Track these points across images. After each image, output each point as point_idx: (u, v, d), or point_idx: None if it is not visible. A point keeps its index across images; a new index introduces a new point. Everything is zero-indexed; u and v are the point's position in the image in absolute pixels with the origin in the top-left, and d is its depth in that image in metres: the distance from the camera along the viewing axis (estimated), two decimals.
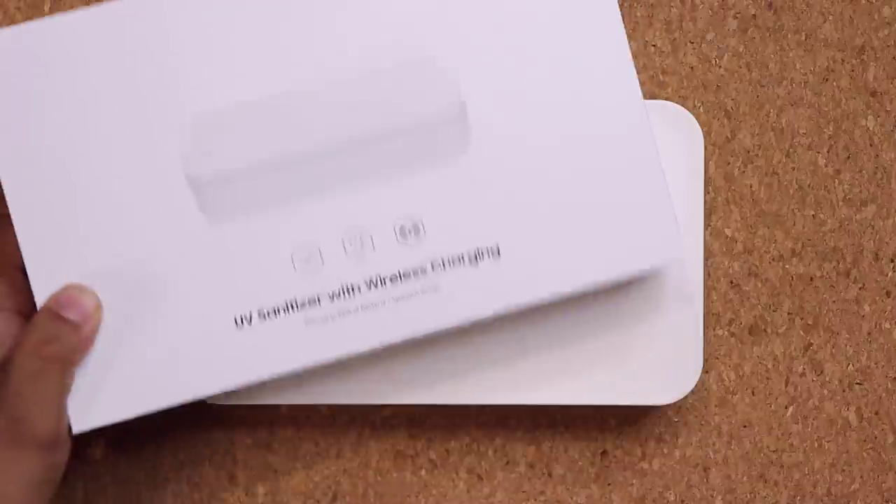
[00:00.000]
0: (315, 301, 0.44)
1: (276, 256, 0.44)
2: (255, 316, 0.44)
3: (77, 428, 0.43)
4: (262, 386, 0.50)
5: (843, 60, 0.54)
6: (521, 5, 0.44)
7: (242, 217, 0.44)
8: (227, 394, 0.50)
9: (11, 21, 0.54)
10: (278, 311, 0.44)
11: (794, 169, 0.54)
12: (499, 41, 0.44)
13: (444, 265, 0.44)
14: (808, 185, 0.53)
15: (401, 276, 0.44)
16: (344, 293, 0.44)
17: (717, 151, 0.53)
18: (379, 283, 0.44)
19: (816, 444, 0.53)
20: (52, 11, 0.54)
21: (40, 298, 0.43)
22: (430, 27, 0.44)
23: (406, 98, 0.44)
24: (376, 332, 0.44)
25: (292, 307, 0.44)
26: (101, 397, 0.43)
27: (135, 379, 0.44)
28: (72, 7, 0.54)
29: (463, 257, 0.44)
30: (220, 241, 0.44)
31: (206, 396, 0.44)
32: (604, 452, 0.53)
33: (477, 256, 0.44)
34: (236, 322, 0.44)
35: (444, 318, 0.44)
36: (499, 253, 0.44)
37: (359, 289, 0.44)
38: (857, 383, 0.54)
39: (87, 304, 0.42)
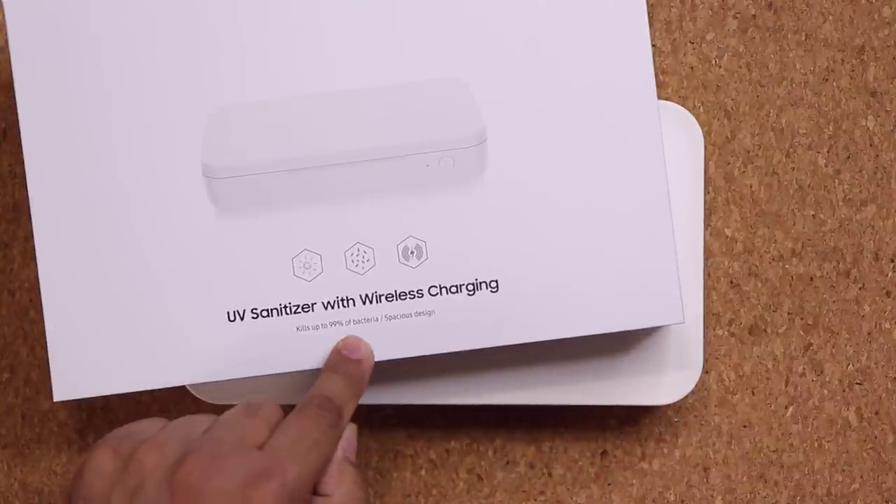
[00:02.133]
0: (309, 308, 0.44)
1: (277, 258, 0.44)
2: (248, 313, 0.44)
3: (58, 397, 0.44)
4: (261, 386, 0.50)
5: (843, 60, 0.53)
6: (556, 45, 0.44)
7: (250, 214, 0.44)
8: (228, 394, 0.50)
9: None
10: (271, 311, 0.44)
11: (794, 169, 0.53)
12: (526, 75, 0.44)
13: (440, 292, 0.44)
14: (808, 185, 0.53)
15: (397, 296, 0.44)
16: (338, 304, 0.44)
17: (717, 151, 0.53)
18: (374, 299, 0.44)
19: (816, 444, 0.53)
20: None
21: (44, 269, 0.44)
22: (462, 51, 0.44)
23: (428, 118, 0.44)
24: None
25: (286, 310, 0.44)
26: (85, 371, 0.44)
27: (121, 357, 0.44)
28: None
29: (460, 287, 0.44)
30: (225, 234, 0.44)
31: (188, 384, 0.45)
32: (604, 452, 0.53)
33: (475, 288, 0.44)
34: (229, 316, 0.44)
35: (433, 344, 0.44)
36: (497, 288, 0.44)
37: (353, 302, 0.44)
38: (857, 383, 0.54)
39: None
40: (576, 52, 0.44)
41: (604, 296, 0.44)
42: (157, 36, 0.44)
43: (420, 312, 0.44)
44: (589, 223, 0.44)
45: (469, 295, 0.44)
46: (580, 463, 0.53)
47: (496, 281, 0.44)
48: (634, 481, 0.53)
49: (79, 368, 0.44)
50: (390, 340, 0.44)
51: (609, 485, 0.53)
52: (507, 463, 0.53)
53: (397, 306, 0.44)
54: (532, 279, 0.44)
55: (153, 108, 0.44)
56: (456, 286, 0.44)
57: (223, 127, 0.44)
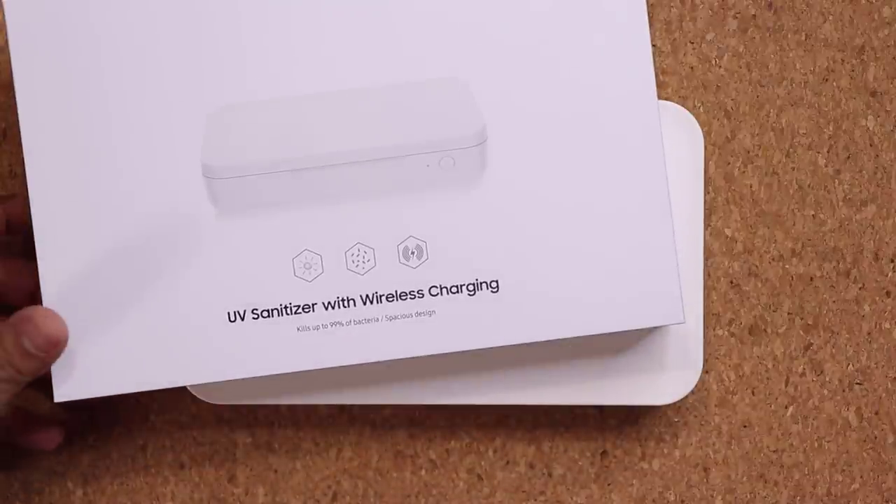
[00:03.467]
0: (309, 308, 0.44)
1: (278, 258, 0.44)
2: (248, 314, 0.44)
3: (59, 398, 0.44)
4: (261, 386, 0.50)
5: (843, 60, 0.53)
6: (557, 44, 0.44)
7: (250, 214, 0.44)
8: (228, 394, 0.50)
9: None
10: (272, 312, 0.44)
11: (794, 169, 0.53)
12: (526, 75, 0.44)
13: (441, 292, 0.44)
14: (808, 185, 0.53)
15: (397, 296, 0.44)
16: (339, 304, 0.44)
17: (717, 151, 0.53)
18: (375, 299, 0.44)
19: (816, 444, 0.53)
20: None
21: (44, 269, 0.44)
22: (462, 51, 0.44)
23: (428, 118, 0.44)
24: (365, 348, 0.44)
25: (286, 311, 0.44)
26: (85, 372, 0.44)
27: (122, 357, 0.44)
28: None
29: (461, 287, 0.44)
30: (225, 235, 0.44)
31: (189, 384, 0.45)
32: (604, 452, 0.53)
33: (475, 288, 0.44)
34: (229, 317, 0.44)
35: (434, 344, 0.44)
36: (497, 288, 0.44)
37: (354, 302, 0.44)
38: (857, 383, 0.54)
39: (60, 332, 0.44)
40: (576, 52, 0.44)
41: (604, 296, 0.44)
42: (157, 36, 0.44)
43: (420, 313, 0.44)
44: (589, 223, 0.44)
45: (470, 295, 0.44)
46: (580, 463, 0.53)
47: (497, 281, 0.44)
48: (634, 481, 0.53)
49: (79, 369, 0.44)
50: (391, 340, 0.44)
51: (609, 485, 0.53)
52: (507, 463, 0.53)
53: (398, 306, 0.44)
54: (532, 279, 0.44)
55: (153, 107, 0.44)
56: (456, 286, 0.44)
57: (223, 127, 0.44)
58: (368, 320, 0.44)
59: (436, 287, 0.44)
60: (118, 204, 0.44)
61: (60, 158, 0.44)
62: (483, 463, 0.53)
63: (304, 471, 0.53)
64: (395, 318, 0.44)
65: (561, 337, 0.44)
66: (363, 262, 0.44)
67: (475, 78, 0.44)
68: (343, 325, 0.44)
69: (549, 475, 0.53)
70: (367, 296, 0.44)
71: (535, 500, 0.53)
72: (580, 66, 0.44)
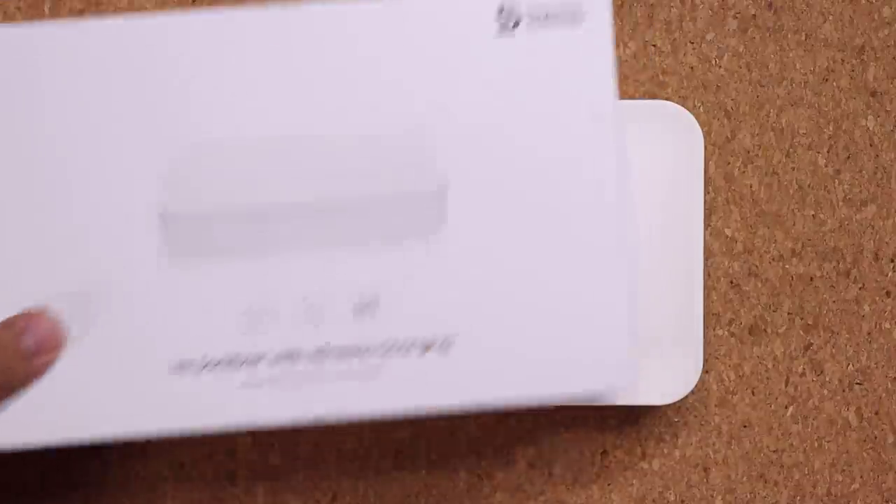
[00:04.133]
0: (255, 362, 0.43)
1: (227, 308, 0.43)
2: (192, 365, 0.43)
3: None
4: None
5: (843, 60, 0.54)
6: (524, 104, 0.43)
7: (203, 260, 0.43)
8: None
9: (11, 20, 0.54)
10: (216, 364, 0.43)
11: (794, 169, 0.54)
12: (490, 129, 0.43)
13: (390, 350, 0.43)
14: (808, 185, 0.53)
15: (345, 354, 0.43)
16: (285, 360, 0.43)
17: (717, 151, 0.53)
18: (322, 356, 0.43)
19: (816, 444, 0.53)
20: (51, 13, 0.54)
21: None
22: (426, 101, 0.43)
23: (389, 168, 0.43)
24: (308, 405, 0.43)
25: (231, 363, 0.43)
26: (16, 419, 0.42)
27: (61, 406, 0.42)
28: (72, 9, 0.54)
29: (411, 345, 0.43)
30: (176, 281, 0.43)
31: (125, 439, 0.43)
32: (604, 452, 0.53)
33: (426, 347, 0.43)
34: (173, 367, 0.43)
35: (379, 404, 0.43)
36: (449, 347, 0.43)
37: (303, 357, 0.43)
38: (857, 383, 0.54)
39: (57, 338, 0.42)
40: (538, 123, 0.43)
41: (556, 360, 0.43)
42: (111, 84, 0.43)
43: (368, 372, 0.43)
44: (546, 283, 0.43)
45: (421, 353, 0.43)
46: (580, 463, 0.53)
47: (448, 338, 0.43)
48: (634, 481, 0.53)
49: (8, 416, 0.42)
50: (336, 400, 0.43)
51: (609, 485, 0.53)
52: (507, 463, 0.54)
53: (345, 364, 0.43)
54: (485, 338, 0.43)
55: (115, 143, 0.42)
56: (407, 344, 0.43)
57: (182, 168, 0.43)
58: (314, 378, 0.43)
59: (386, 345, 0.43)
60: (67, 242, 0.42)
61: (11, 203, 0.43)
62: (483, 463, 0.53)
63: (304, 471, 0.53)
64: (342, 376, 0.43)
65: (509, 401, 0.43)
66: (314, 315, 0.43)
67: (437, 131, 0.43)
68: (289, 380, 0.43)
69: (549, 475, 0.53)
70: (317, 350, 0.43)
71: (535, 500, 0.53)
72: (543, 130, 0.43)
